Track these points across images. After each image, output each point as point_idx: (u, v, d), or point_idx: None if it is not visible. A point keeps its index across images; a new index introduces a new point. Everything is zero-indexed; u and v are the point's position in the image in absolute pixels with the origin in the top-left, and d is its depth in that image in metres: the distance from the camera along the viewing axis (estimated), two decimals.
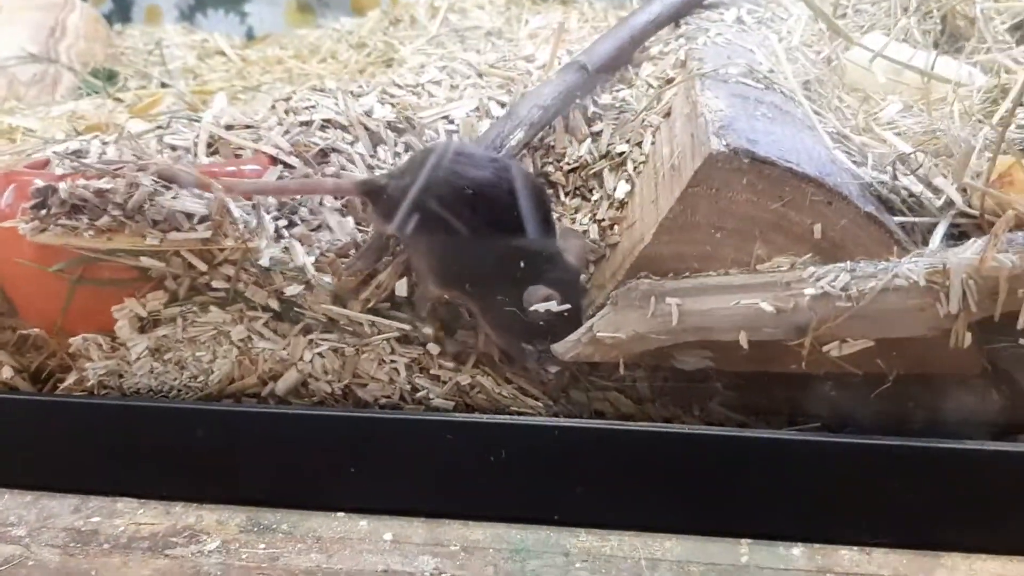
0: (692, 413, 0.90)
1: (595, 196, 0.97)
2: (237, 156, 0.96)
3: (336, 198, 0.93)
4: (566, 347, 0.85)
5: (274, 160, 0.94)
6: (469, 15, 1.64)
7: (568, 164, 0.99)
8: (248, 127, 1.00)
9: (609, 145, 1.00)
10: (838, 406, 0.85)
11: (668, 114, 0.99)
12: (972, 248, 0.75)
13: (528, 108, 0.97)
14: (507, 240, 0.84)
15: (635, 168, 0.97)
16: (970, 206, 0.83)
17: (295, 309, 0.88)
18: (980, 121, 0.93)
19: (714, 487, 0.81)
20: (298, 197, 0.91)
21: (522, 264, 0.84)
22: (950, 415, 0.83)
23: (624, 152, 0.99)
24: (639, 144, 0.98)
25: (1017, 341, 0.77)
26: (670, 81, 1.03)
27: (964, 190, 0.84)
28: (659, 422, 0.88)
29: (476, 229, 0.84)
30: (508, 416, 0.86)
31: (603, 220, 0.95)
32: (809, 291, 0.77)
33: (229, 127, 1.01)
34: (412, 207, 0.84)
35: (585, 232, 0.94)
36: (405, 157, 1.00)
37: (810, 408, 0.86)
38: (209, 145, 0.99)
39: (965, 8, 1.19)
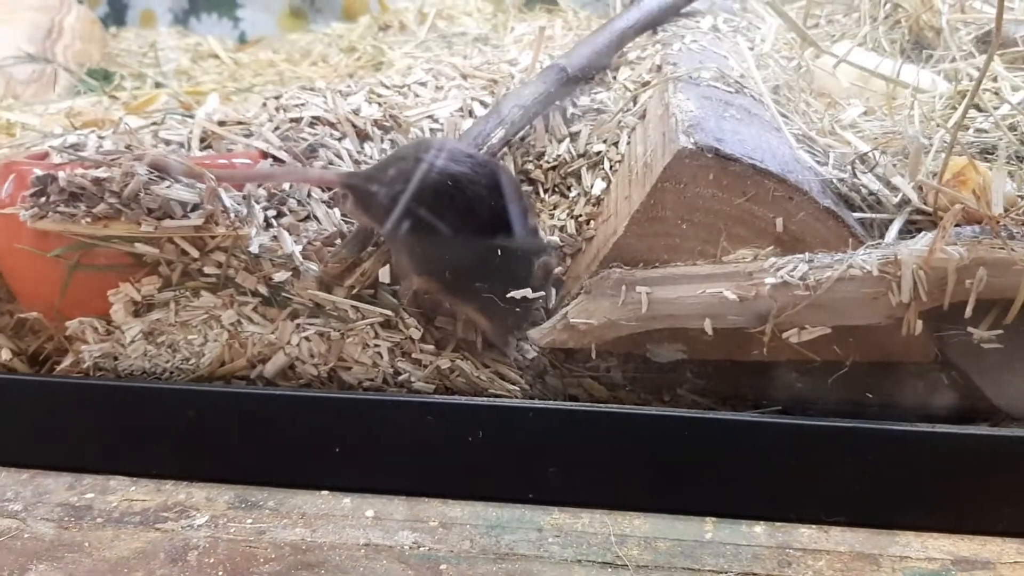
0: (662, 399, 0.94)
1: (573, 193, 1.02)
2: (229, 151, 1.00)
3: (323, 189, 0.97)
4: (542, 333, 0.89)
5: (264, 155, 0.98)
6: (457, 22, 1.69)
7: (548, 162, 1.04)
8: (240, 123, 1.04)
9: (587, 145, 1.04)
10: (799, 391, 0.89)
11: (643, 116, 1.04)
12: (922, 241, 0.80)
13: (509, 108, 1.01)
14: (486, 234, 0.89)
15: (611, 167, 1.02)
16: (925, 203, 0.88)
17: (283, 294, 0.92)
18: (938, 125, 0.98)
19: (682, 467, 0.85)
20: (287, 187, 0.94)
21: (501, 256, 0.88)
22: (904, 400, 0.88)
23: (601, 151, 1.03)
24: (615, 144, 1.03)
25: (966, 330, 0.81)
26: (646, 84, 1.08)
27: (920, 188, 0.88)
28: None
29: (455, 225, 0.88)
30: (486, 398, 0.90)
31: (580, 216, 0.99)
32: (770, 280, 0.82)
33: (222, 123, 1.05)
34: (394, 204, 0.88)
35: (563, 227, 0.98)
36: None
37: (773, 393, 0.90)
38: (202, 140, 1.03)
39: (932, 19, 1.24)
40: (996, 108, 0.99)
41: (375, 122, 1.04)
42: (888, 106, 1.04)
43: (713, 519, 0.84)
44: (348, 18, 1.89)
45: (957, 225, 0.82)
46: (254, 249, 0.89)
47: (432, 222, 0.87)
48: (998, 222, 0.79)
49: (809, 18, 1.32)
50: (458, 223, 0.88)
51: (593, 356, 0.89)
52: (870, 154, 0.91)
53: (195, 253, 0.91)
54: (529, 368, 0.92)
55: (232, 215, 0.88)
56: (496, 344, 0.94)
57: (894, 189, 0.89)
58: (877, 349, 0.85)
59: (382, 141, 1.03)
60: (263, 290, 0.91)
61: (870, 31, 1.24)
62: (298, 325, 0.91)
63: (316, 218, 0.94)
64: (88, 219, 0.88)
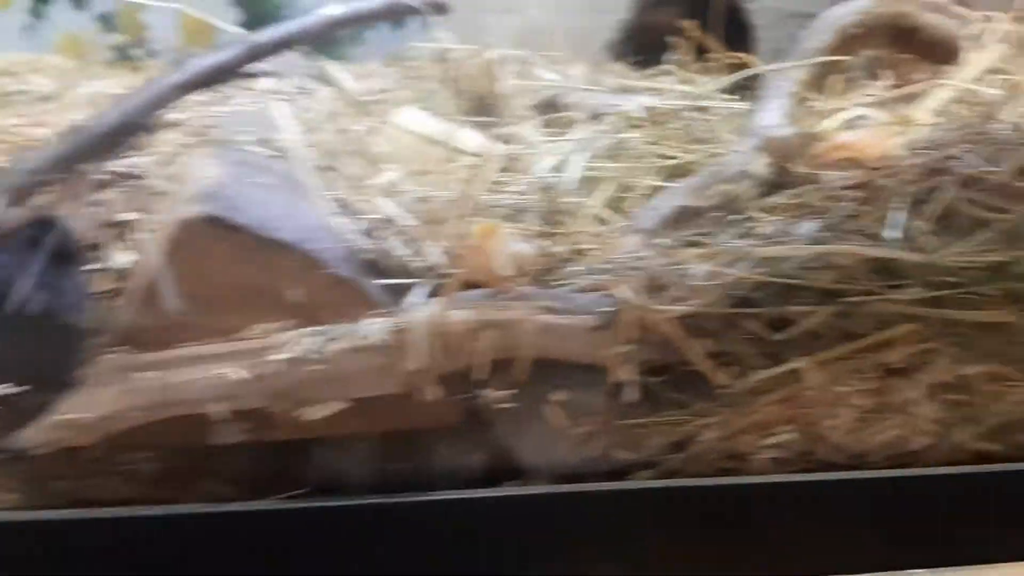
0: (198, 491, 0.86)
1: (97, 267, 0.92)
2: None
3: None
4: (36, 433, 0.78)
5: None
6: (22, 79, 1.52)
7: None
8: None
9: (116, 213, 0.95)
10: (333, 470, 0.85)
11: (177, 181, 0.96)
12: (431, 306, 0.79)
13: (14, 173, 0.90)
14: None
15: (140, 236, 0.93)
16: (451, 267, 0.88)
17: None
18: (476, 189, 1.00)
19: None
20: None
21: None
22: (442, 465, 0.86)
23: (130, 220, 0.94)
24: (147, 212, 0.95)
25: (480, 392, 0.81)
26: (185, 148, 1.01)
27: (446, 252, 0.88)
28: (156, 504, 0.83)
29: None
30: None
31: (104, 291, 0.90)
32: (283, 356, 0.77)
33: None
34: None
35: None
36: None
37: (309, 474, 0.85)
38: None
39: (492, 86, 1.29)
40: (528, 172, 1.04)
41: None
42: (434, 170, 1.05)
43: None
44: None
45: (476, 287, 0.82)
46: None
47: None
48: (504, 284, 0.81)
49: (379, 82, 1.32)
50: None
51: (102, 453, 0.79)
52: (396, 219, 0.90)
53: None
54: (23, 474, 0.80)
55: None
56: None
57: (422, 254, 0.89)
58: (404, 418, 0.83)
59: None
60: None
61: (435, 96, 1.26)
62: None
63: None
64: None
